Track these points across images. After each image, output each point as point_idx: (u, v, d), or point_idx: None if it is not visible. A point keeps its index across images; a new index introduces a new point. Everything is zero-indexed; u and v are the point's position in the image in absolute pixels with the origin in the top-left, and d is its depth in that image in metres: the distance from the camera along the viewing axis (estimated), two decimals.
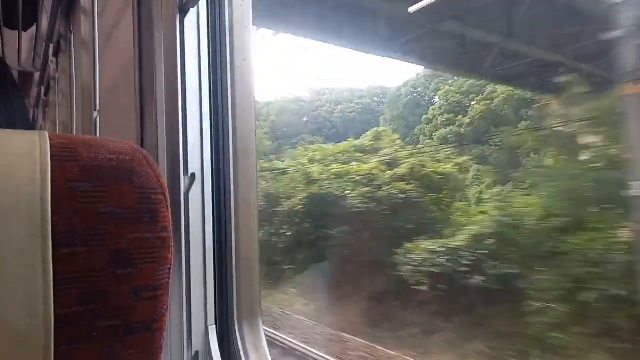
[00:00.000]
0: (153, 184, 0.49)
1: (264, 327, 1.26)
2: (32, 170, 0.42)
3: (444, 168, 16.10)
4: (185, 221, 1.22)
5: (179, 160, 1.23)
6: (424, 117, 31.98)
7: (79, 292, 0.44)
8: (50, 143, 0.45)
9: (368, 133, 21.90)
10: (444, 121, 30.12)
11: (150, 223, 0.48)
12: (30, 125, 0.77)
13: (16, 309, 0.39)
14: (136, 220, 0.47)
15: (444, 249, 11.68)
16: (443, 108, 30.72)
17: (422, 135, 31.33)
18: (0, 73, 0.75)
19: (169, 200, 0.51)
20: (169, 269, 0.51)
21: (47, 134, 0.46)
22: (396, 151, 17.93)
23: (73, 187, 0.44)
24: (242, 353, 1.18)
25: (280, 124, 40.29)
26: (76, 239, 0.44)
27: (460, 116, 29.93)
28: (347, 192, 15.91)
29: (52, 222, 0.41)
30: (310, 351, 11.04)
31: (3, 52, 4.39)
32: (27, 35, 4.20)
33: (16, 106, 0.73)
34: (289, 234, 17.71)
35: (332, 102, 41.72)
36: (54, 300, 0.41)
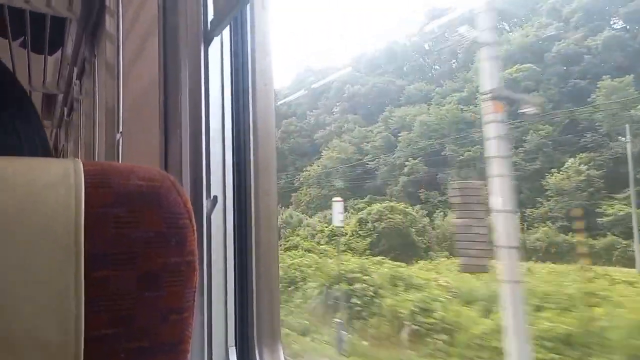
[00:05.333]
0: (180, 209, 0.50)
1: None
2: (66, 195, 0.44)
3: None
4: (207, 243, 1.23)
5: (202, 183, 1.25)
6: None
7: (109, 314, 0.45)
8: (84, 169, 0.47)
9: None
10: None
11: (177, 247, 0.49)
12: (48, 150, 0.79)
13: (49, 328, 0.41)
14: (164, 244, 0.48)
15: None
16: None
17: None
18: (19, 97, 0.77)
19: (194, 224, 0.52)
20: (194, 291, 0.52)
21: (80, 161, 0.48)
22: None
23: (106, 212, 0.46)
24: None
25: None
26: (107, 262, 0.45)
27: None
28: None
29: (85, 246, 0.43)
30: None
31: (30, 75, 4.52)
32: (52, 59, 4.33)
33: (35, 130, 0.75)
34: None
35: None
36: (85, 322, 0.42)
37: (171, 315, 0.49)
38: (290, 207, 37.44)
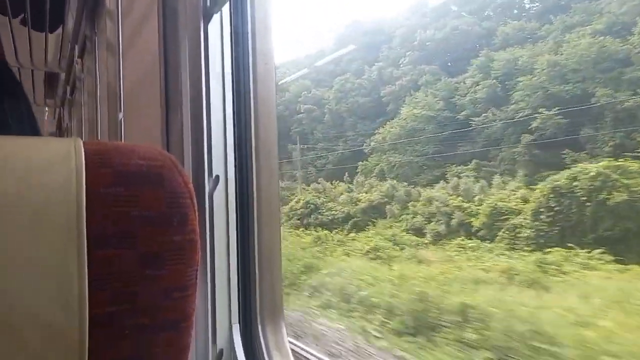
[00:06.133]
0: (181, 188, 0.51)
1: None
2: (67, 175, 0.44)
3: None
4: (209, 222, 1.24)
5: (204, 163, 1.25)
6: None
7: (112, 292, 0.46)
8: (85, 149, 0.47)
9: None
10: None
11: (179, 226, 0.50)
12: (36, 129, 0.79)
13: (53, 308, 0.41)
14: (166, 223, 0.49)
15: None
16: None
17: None
18: (9, 77, 0.76)
19: (196, 204, 0.53)
20: (196, 270, 0.53)
21: (81, 141, 0.48)
22: None
23: (106, 192, 0.46)
24: (264, 351, 1.20)
25: None
26: (109, 242, 0.46)
27: None
28: None
29: (86, 225, 0.43)
30: None
31: (31, 54, 4.49)
32: (54, 37, 4.29)
33: (25, 115, 0.75)
34: None
35: None
36: (89, 301, 0.43)
37: (174, 293, 0.50)
38: (356, 178, 31.48)
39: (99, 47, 3.26)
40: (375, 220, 24.47)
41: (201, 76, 1.28)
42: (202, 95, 1.28)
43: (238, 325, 1.26)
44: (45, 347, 0.41)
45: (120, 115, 2.30)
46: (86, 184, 0.44)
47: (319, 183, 31.85)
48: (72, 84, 5.23)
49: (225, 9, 1.30)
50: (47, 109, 7.46)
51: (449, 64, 35.39)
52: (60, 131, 7.85)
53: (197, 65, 1.29)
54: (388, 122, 33.75)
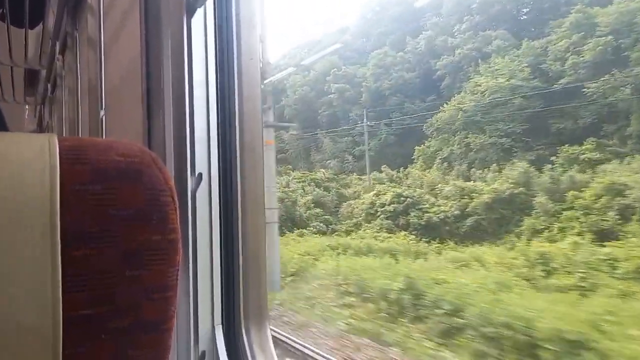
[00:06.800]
0: (161, 185, 0.49)
1: None
2: (41, 172, 0.42)
3: None
4: (192, 221, 1.22)
5: (186, 161, 1.23)
6: None
7: (89, 293, 0.44)
8: (59, 145, 0.45)
9: None
10: None
11: (158, 225, 0.48)
12: (4, 126, 0.77)
13: (25, 308, 0.40)
14: (145, 222, 0.47)
15: None
16: None
17: None
18: None
19: (177, 202, 0.51)
20: (177, 270, 0.51)
21: (55, 136, 0.46)
22: None
23: (82, 189, 0.45)
24: (248, 353, 1.18)
25: None
26: (86, 240, 0.44)
27: None
28: None
29: (61, 224, 0.42)
30: None
31: (10, 50, 4.41)
32: (34, 33, 4.22)
33: None
34: None
35: None
36: (64, 301, 0.41)
37: (154, 293, 0.49)
38: (412, 166, 26.58)
39: (80, 43, 3.22)
40: (519, 220, 18.09)
41: (184, 72, 1.26)
42: (185, 91, 1.26)
43: (221, 326, 1.24)
44: (18, 349, 0.40)
45: (102, 113, 2.27)
46: (61, 181, 0.43)
47: (381, 171, 27.39)
48: (53, 81, 5.16)
49: (209, 3, 1.28)
50: (27, 106, 7.35)
51: (525, 26, 29.56)
52: (41, 129, 7.74)
53: (180, 60, 1.26)
54: (454, 97, 27.85)
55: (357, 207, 24.07)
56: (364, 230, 21.40)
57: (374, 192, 23.64)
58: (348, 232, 22.03)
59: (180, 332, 1.21)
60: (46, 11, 3.72)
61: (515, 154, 23.13)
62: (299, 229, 22.65)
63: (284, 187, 26.26)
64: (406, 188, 22.76)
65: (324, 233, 22.47)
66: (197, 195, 1.23)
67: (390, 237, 19.21)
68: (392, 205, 21.26)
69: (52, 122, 6.10)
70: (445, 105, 27.97)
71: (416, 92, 32.41)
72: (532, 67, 25.24)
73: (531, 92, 24.17)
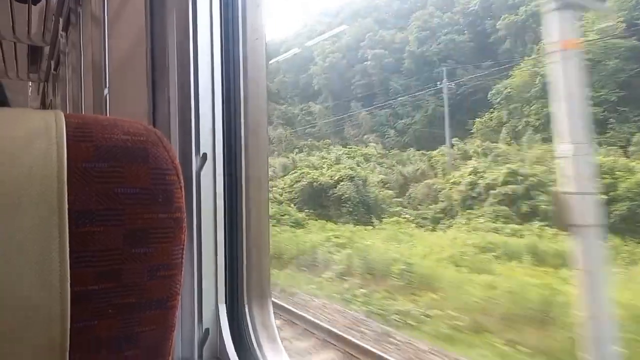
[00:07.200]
0: (167, 165, 0.49)
1: None
2: (47, 149, 0.42)
3: None
4: (197, 201, 1.22)
5: (191, 140, 1.23)
6: None
7: (96, 270, 0.45)
8: (66, 122, 0.45)
9: None
10: None
11: (164, 204, 0.49)
12: (5, 100, 0.77)
13: (33, 285, 0.40)
14: (151, 200, 0.48)
15: None
16: None
17: None
18: None
19: (182, 181, 0.51)
20: (182, 248, 0.52)
21: (62, 113, 0.46)
22: None
23: (88, 167, 0.45)
24: (251, 331, 1.20)
25: None
26: (93, 218, 0.45)
27: None
28: None
29: (68, 201, 0.42)
30: None
31: (13, 26, 4.38)
32: (37, 9, 4.18)
33: None
34: None
35: None
36: (71, 278, 0.42)
37: (159, 271, 0.49)
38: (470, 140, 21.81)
39: (83, 20, 3.18)
40: None
41: (189, 51, 1.25)
42: (189, 70, 1.25)
43: (224, 304, 1.26)
44: (26, 324, 0.40)
45: (106, 91, 2.26)
46: (67, 159, 0.43)
47: (453, 146, 21.97)
48: (56, 58, 5.13)
49: None
50: (30, 83, 7.32)
51: None
52: (44, 107, 7.71)
53: (185, 39, 1.25)
54: (521, 61, 22.80)
55: (445, 188, 18.61)
56: (468, 219, 16.10)
57: (470, 169, 17.98)
58: (436, 221, 17.35)
59: (185, 309, 1.22)
60: None
61: (610, 126, 18.23)
62: (377, 217, 18.36)
63: (335, 163, 22.89)
64: (520, 164, 16.79)
65: (419, 224, 17.46)
66: (201, 175, 1.24)
67: (520, 229, 13.61)
68: (508, 186, 15.64)
69: (56, 100, 6.07)
70: (509, 71, 23.06)
71: (469, 58, 27.67)
72: (627, 23, 19.31)
73: (628, 53, 19.13)
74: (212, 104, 1.28)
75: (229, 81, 1.29)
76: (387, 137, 28.49)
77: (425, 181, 20.41)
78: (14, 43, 4.99)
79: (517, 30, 25.81)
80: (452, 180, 18.72)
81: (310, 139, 30.73)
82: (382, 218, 18.45)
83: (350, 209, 19.53)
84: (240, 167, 1.26)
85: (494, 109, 23.23)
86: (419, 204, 19.54)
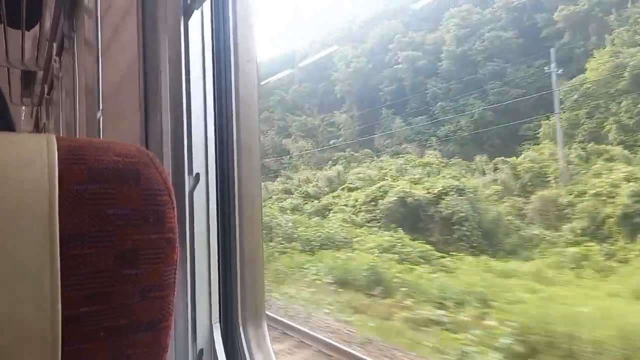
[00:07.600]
0: (159, 185, 0.50)
1: None
2: (40, 172, 0.43)
3: None
4: (189, 221, 1.22)
5: (184, 161, 1.24)
6: None
7: (87, 292, 0.45)
8: (58, 145, 0.46)
9: None
10: None
11: (156, 224, 0.49)
12: (11, 126, 0.78)
13: (25, 307, 0.40)
14: (142, 221, 0.48)
15: None
16: None
17: None
18: None
19: (174, 201, 0.52)
20: (175, 269, 0.52)
21: (54, 136, 0.47)
22: None
23: (80, 189, 0.45)
24: (246, 351, 1.19)
25: None
26: (84, 240, 0.45)
27: None
28: None
29: (60, 223, 0.42)
30: None
31: (7, 51, 4.40)
32: (31, 34, 4.21)
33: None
34: None
35: None
36: (62, 300, 0.42)
37: (151, 292, 0.49)
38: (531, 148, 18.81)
39: (77, 45, 3.21)
40: None
41: (181, 73, 1.26)
42: (182, 92, 1.26)
43: (219, 324, 1.25)
44: (17, 347, 0.40)
45: (99, 114, 2.27)
46: (59, 181, 0.43)
47: (542, 151, 17.87)
48: (49, 83, 5.14)
49: (206, 5, 1.29)
50: (24, 107, 7.33)
51: None
52: (38, 130, 7.70)
53: (178, 62, 1.27)
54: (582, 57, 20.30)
55: (580, 202, 14.34)
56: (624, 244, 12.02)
57: (622, 174, 14.17)
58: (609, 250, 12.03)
59: (179, 330, 1.21)
60: (43, 12, 3.72)
61: None
62: (511, 245, 13.67)
63: (398, 174, 20.07)
64: None
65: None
66: (194, 195, 1.24)
67: None
68: None
69: (49, 124, 6.07)
70: (592, 62, 20.10)
71: (517, 56, 25.13)
72: None
73: None
74: (205, 124, 1.29)
75: (221, 101, 1.30)
76: (425, 145, 26.25)
77: (540, 193, 15.79)
78: (7, 68, 5.02)
79: (579, 22, 23.37)
80: (593, 192, 14.55)
81: (348, 150, 28.03)
82: (523, 247, 13.49)
83: (467, 233, 14.49)
84: (233, 186, 1.26)
85: (564, 109, 20.20)
86: (554, 224, 14.51)
